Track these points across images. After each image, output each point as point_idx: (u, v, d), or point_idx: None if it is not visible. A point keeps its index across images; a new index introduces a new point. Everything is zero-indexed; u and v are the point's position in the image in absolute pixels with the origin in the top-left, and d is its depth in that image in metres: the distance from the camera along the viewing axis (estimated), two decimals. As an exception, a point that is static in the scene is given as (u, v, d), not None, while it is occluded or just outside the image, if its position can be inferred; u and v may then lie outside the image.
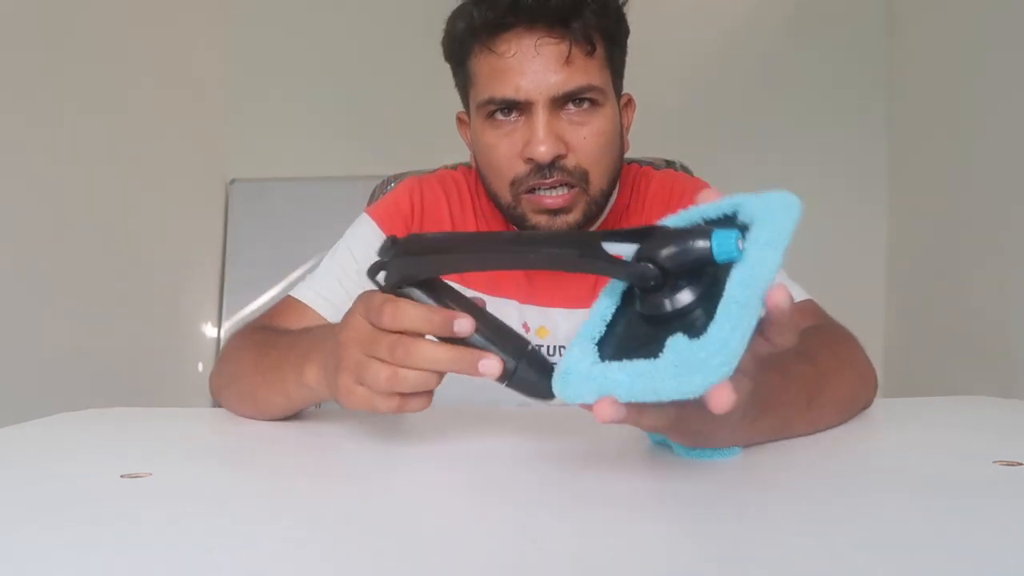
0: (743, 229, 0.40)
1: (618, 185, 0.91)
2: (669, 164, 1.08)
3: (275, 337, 0.69)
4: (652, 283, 0.41)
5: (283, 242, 2.28)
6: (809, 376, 0.57)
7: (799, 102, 2.38)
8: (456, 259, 0.50)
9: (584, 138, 0.77)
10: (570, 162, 0.77)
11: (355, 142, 2.45)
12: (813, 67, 2.39)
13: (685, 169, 1.08)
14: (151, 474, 0.48)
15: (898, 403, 0.72)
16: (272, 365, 0.64)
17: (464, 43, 0.80)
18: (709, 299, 0.39)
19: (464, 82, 0.83)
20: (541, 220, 0.79)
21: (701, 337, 0.37)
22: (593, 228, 0.88)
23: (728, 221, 0.43)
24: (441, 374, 0.50)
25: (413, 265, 0.49)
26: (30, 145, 1.62)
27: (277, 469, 0.53)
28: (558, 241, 0.47)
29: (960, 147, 1.98)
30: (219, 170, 2.46)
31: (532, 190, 0.78)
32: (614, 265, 0.42)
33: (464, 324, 0.47)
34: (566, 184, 0.77)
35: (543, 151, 0.75)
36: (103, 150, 1.87)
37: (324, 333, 0.59)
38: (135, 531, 0.38)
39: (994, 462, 0.48)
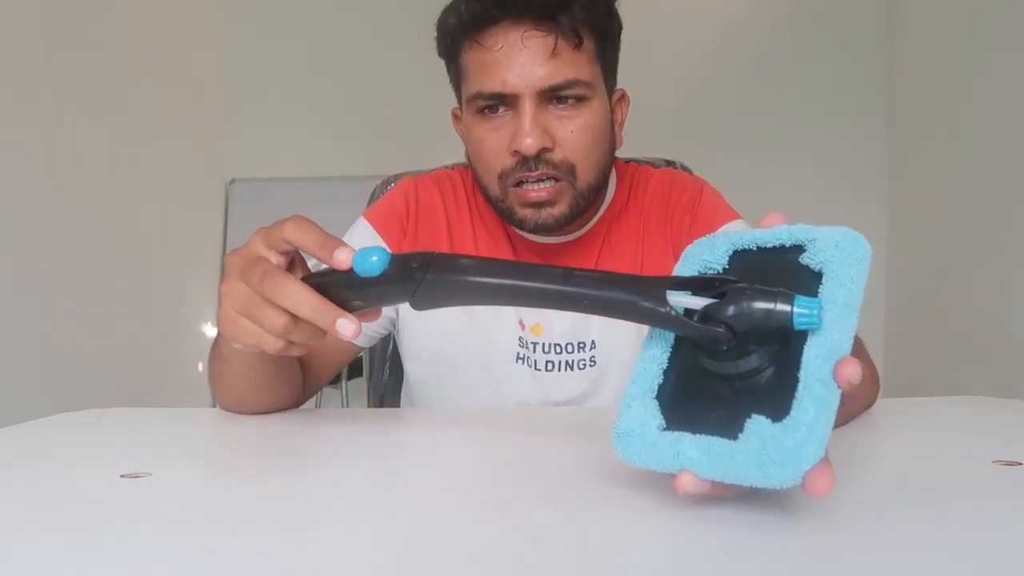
0: (812, 275, 0.38)
1: (616, 183, 0.91)
2: (669, 163, 1.08)
3: None
4: (725, 348, 0.38)
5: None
6: None
7: (799, 102, 2.38)
8: (497, 288, 0.45)
9: (571, 132, 0.78)
10: (556, 156, 0.78)
11: (355, 142, 2.45)
12: (813, 67, 2.39)
13: (685, 168, 1.08)
14: (151, 474, 0.48)
15: (898, 403, 0.72)
16: (218, 350, 0.67)
17: (455, 38, 0.81)
18: (780, 360, 0.37)
19: (456, 77, 0.84)
20: (527, 213, 0.80)
21: (785, 421, 0.34)
22: (586, 226, 0.88)
23: (785, 252, 0.40)
24: (297, 320, 0.51)
25: (451, 287, 0.46)
26: (30, 145, 1.62)
27: (277, 469, 0.53)
28: (618, 284, 0.42)
29: (960, 147, 1.98)
30: (219, 170, 2.46)
31: (519, 184, 0.79)
32: (683, 324, 0.39)
33: (343, 253, 0.49)
34: (552, 178, 0.78)
35: (529, 143, 0.76)
36: (103, 151, 1.87)
37: None
38: (135, 531, 0.38)
39: (994, 462, 0.48)
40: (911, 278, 2.24)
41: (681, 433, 0.38)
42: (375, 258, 0.47)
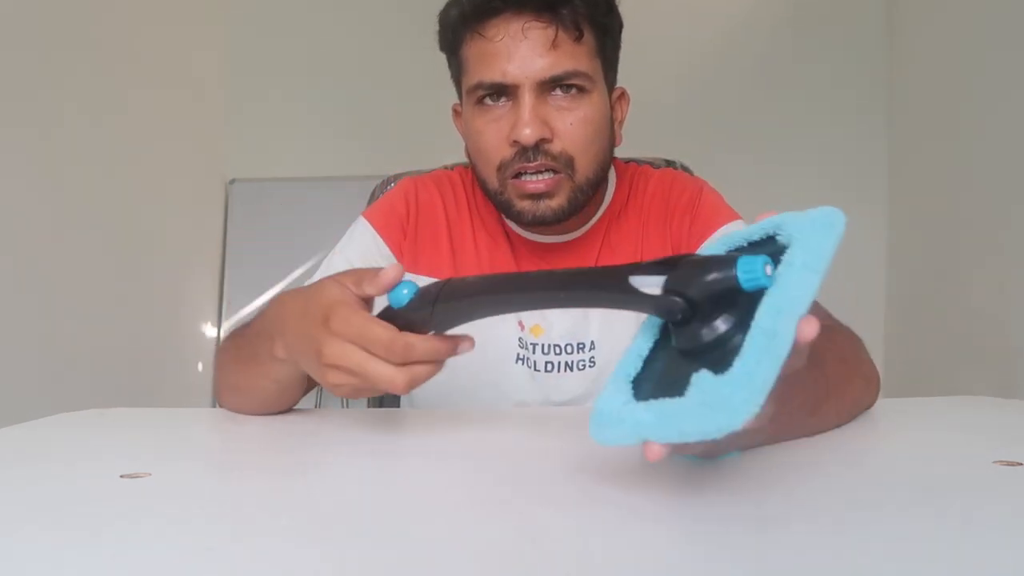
0: (781, 250, 0.39)
1: (616, 183, 0.91)
2: (669, 163, 1.08)
3: (247, 327, 0.69)
4: (680, 316, 0.39)
5: (283, 242, 2.28)
6: (817, 383, 0.56)
7: (799, 101, 2.38)
8: (492, 303, 0.51)
9: (570, 124, 0.78)
10: (555, 147, 0.78)
11: (355, 142, 2.45)
12: (813, 67, 2.39)
13: (685, 168, 1.08)
14: (151, 474, 0.48)
15: (898, 403, 0.72)
16: (249, 352, 0.66)
17: (456, 31, 0.81)
18: (746, 327, 0.37)
19: (457, 70, 0.84)
20: (525, 205, 0.80)
21: (726, 372, 0.35)
22: (586, 226, 0.88)
23: (771, 242, 0.41)
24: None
25: (454, 311, 0.52)
26: (30, 145, 1.62)
27: (277, 469, 0.53)
28: (587, 277, 0.47)
29: (960, 147, 1.98)
30: (219, 170, 2.46)
31: (518, 175, 0.79)
32: (640, 299, 0.41)
33: (465, 345, 0.55)
34: (550, 169, 0.78)
35: (528, 133, 0.76)
36: (103, 151, 1.87)
37: (293, 307, 0.61)
38: (135, 531, 0.38)
39: (994, 462, 0.48)
40: (911, 278, 2.24)
41: (639, 403, 0.39)
42: (405, 291, 0.54)
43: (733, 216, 0.88)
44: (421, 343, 0.52)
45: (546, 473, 0.49)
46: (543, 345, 0.86)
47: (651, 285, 0.41)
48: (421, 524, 0.39)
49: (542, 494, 0.44)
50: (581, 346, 0.86)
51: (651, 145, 1.12)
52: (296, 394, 0.69)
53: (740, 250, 0.43)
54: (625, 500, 0.43)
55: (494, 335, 0.86)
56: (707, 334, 0.39)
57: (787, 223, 0.40)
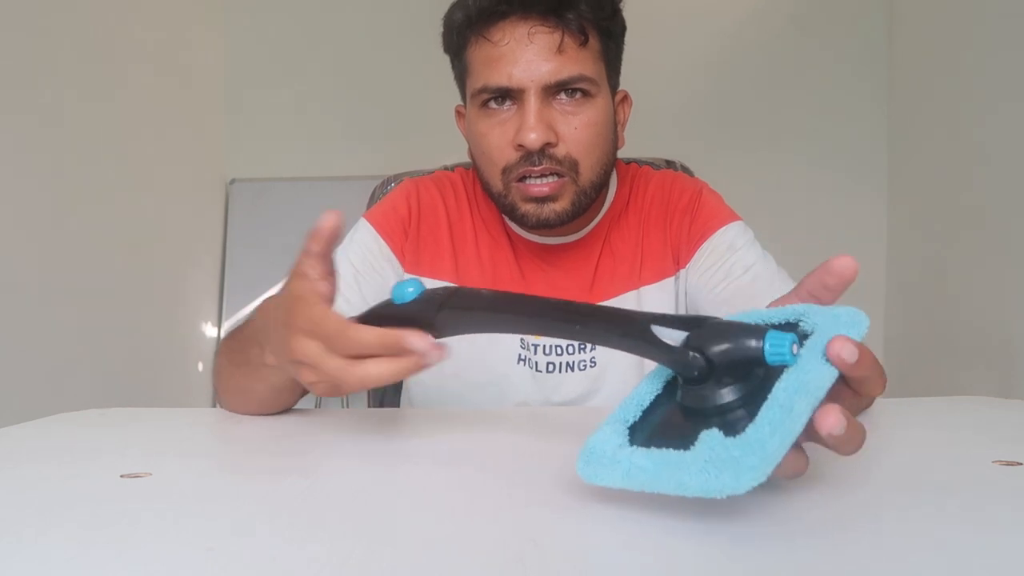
0: (803, 336, 0.39)
1: (617, 185, 0.91)
2: (669, 164, 1.08)
3: (240, 330, 0.69)
4: (696, 374, 0.39)
5: (283, 242, 2.27)
6: None
7: (799, 102, 2.38)
8: (503, 321, 0.50)
9: (575, 128, 0.78)
10: (560, 151, 0.78)
11: (355, 142, 2.45)
12: (813, 67, 2.39)
13: (685, 169, 1.08)
14: (151, 474, 0.48)
15: (898, 403, 0.72)
16: (242, 357, 0.66)
17: (461, 33, 0.81)
18: (754, 402, 0.37)
19: (461, 73, 0.84)
20: (529, 208, 0.80)
21: (738, 436, 0.35)
22: (587, 227, 0.88)
23: (791, 328, 0.41)
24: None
25: (460, 319, 0.50)
26: (30, 145, 1.62)
27: (277, 469, 0.53)
28: (607, 317, 0.46)
29: (960, 147, 1.98)
30: (219, 170, 2.46)
31: (522, 179, 0.79)
32: (659, 349, 0.41)
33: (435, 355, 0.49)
34: (555, 173, 0.78)
35: (533, 138, 0.76)
36: (103, 150, 1.87)
37: (276, 314, 0.58)
38: (135, 531, 0.38)
39: (993, 462, 0.48)
40: (911, 278, 2.24)
41: (638, 448, 0.39)
42: (410, 289, 0.52)
43: (733, 217, 0.88)
44: (369, 335, 0.49)
45: (546, 473, 0.49)
46: (544, 346, 0.86)
47: (670, 338, 0.41)
48: (421, 524, 0.39)
49: (542, 494, 0.44)
50: (582, 347, 0.86)
51: (651, 146, 1.12)
52: (293, 395, 0.69)
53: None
54: (624, 499, 0.43)
55: (496, 337, 0.86)
56: (714, 398, 0.39)
57: (812, 313, 0.40)
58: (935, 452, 0.53)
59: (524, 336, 0.86)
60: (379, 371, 0.49)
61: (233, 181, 2.47)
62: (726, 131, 2.36)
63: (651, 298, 0.87)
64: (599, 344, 0.46)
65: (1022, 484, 0.44)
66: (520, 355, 0.86)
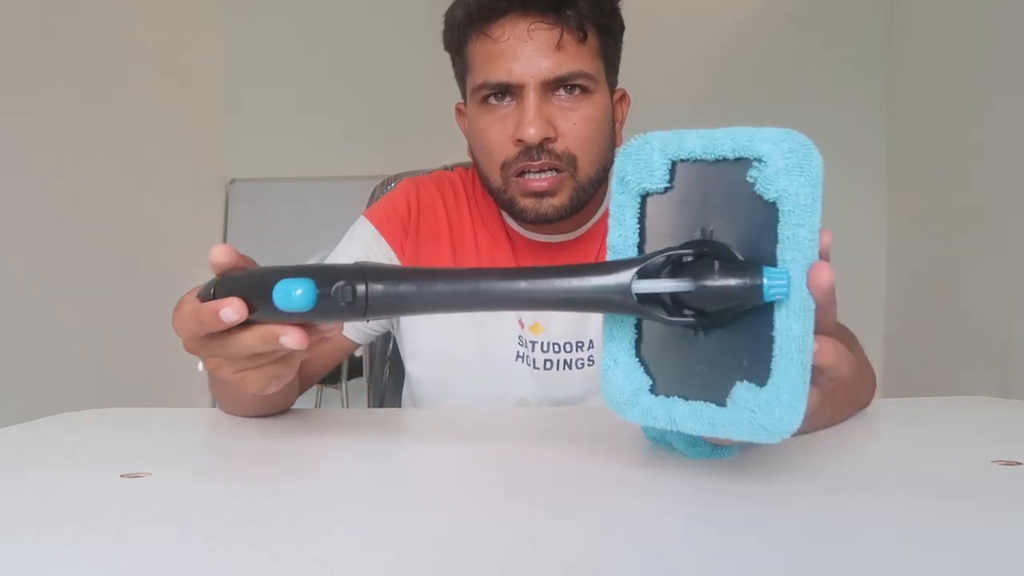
0: (767, 207, 0.38)
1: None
2: (669, 164, 1.08)
3: None
4: (694, 320, 0.39)
5: (283, 242, 2.28)
6: None
7: (799, 102, 2.38)
8: (437, 296, 0.43)
9: (574, 124, 0.79)
10: (559, 146, 0.79)
11: (355, 142, 2.45)
12: (813, 67, 2.39)
13: (685, 169, 1.08)
14: (151, 474, 0.48)
15: (897, 403, 0.72)
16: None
17: (462, 30, 0.82)
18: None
19: (462, 70, 0.85)
20: (528, 203, 0.81)
21: (768, 388, 0.37)
22: (586, 225, 0.88)
23: (730, 167, 0.41)
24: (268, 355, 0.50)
25: (394, 299, 0.43)
26: (30, 146, 1.62)
27: (277, 469, 0.53)
28: (578, 275, 0.42)
29: (960, 147, 1.98)
30: (219, 170, 2.46)
31: (521, 174, 0.79)
32: (655, 317, 0.40)
33: (229, 312, 0.46)
34: (554, 168, 0.79)
35: (532, 133, 0.77)
36: (103, 151, 1.87)
37: None
38: (135, 531, 0.38)
39: (993, 462, 0.48)
40: (911, 278, 2.24)
41: (674, 399, 0.40)
42: (299, 291, 0.42)
43: None
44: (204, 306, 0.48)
45: (546, 473, 0.49)
46: (542, 343, 0.86)
47: (654, 288, 0.39)
48: (421, 524, 0.39)
49: (542, 494, 0.44)
50: (580, 344, 0.86)
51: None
52: (278, 396, 0.68)
53: (691, 167, 0.42)
54: (624, 499, 0.43)
55: (495, 333, 0.86)
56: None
57: (762, 164, 0.39)
58: (935, 452, 0.53)
59: (522, 333, 0.86)
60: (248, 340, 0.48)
61: (233, 181, 2.47)
62: (726, 131, 2.36)
63: None
64: (577, 311, 0.43)
65: (1022, 484, 0.44)
66: (519, 352, 0.86)
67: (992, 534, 0.36)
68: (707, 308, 0.39)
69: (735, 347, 0.39)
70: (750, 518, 0.39)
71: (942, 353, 2.06)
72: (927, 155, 2.16)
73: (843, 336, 0.70)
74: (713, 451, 0.49)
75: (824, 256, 0.38)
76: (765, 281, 0.37)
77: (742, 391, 0.37)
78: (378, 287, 0.42)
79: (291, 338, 0.45)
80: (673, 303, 0.39)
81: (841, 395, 0.61)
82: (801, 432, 0.56)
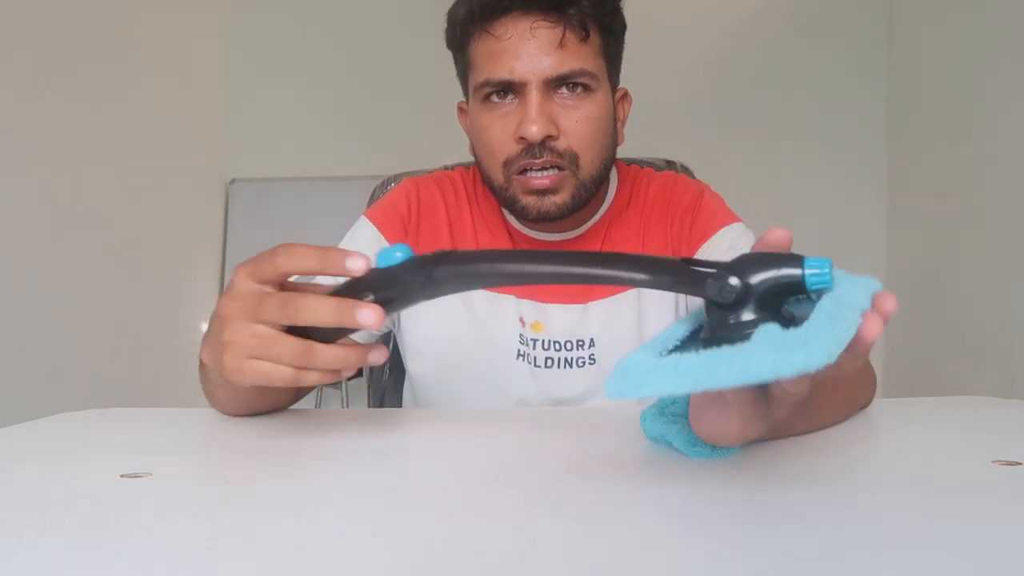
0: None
1: (617, 184, 0.92)
2: (670, 164, 1.08)
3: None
4: (732, 297, 0.38)
5: (283, 242, 2.27)
6: None
7: (799, 102, 2.38)
8: (500, 274, 0.47)
9: (576, 122, 0.79)
10: (561, 144, 0.79)
11: (355, 142, 2.45)
12: (813, 68, 2.39)
13: (686, 170, 1.08)
14: (151, 474, 0.48)
15: (898, 403, 0.72)
16: (201, 364, 0.65)
17: (464, 28, 0.82)
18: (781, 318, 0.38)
19: (464, 68, 0.85)
20: (530, 201, 0.81)
21: (798, 328, 0.35)
22: (587, 224, 0.89)
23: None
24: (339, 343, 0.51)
25: (456, 275, 0.47)
26: (30, 145, 1.62)
27: (277, 469, 0.53)
28: (631, 258, 0.43)
29: (960, 147, 1.98)
30: (219, 170, 2.46)
31: (523, 171, 0.80)
32: (694, 277, 0.39)
33: (355, 261, 0.48)
34: (556, 166, 0.79)
35: (535, 130, 0.77)
36: (103, 150, 1.87)
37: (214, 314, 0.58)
38: (135, 531, 0.38)
39: (993, 462, 0.48)
40: (911, 278, 2.24)
41: (683, 352, 0.37)
42: (399, 253, 0.48)
43: (733, 219, 0.88)
44: (315, 296, 0.48)
45: (546, 473, 0.49)
46: (543, 341, 0.86)
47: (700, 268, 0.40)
48: (421, 524, 0.39)
49: (543, 495, 0.44)
50: (580, 343, 0.86)
51: (651, 146, 1.12)
52: (269, 395, 0.68)
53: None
54: (624, 499, 0.43)
55: (495, 331, 0.86)
56: (749, 317, 0.38)
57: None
58: (935, 452, 0.53)
59: (523, 332, 0.86)
60: (324, 305, 0.48)
61: (233, 181, 2.47)
62: (726, 131, 2.36)
63: (651, 297, 0.87)
64: (625, 284, 0.43)
65: (1022, 484, 0.44)
66: (520, 351, 0.86)
67: (992, 534, 0.36)
68: (748, 280, 0.38)
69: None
70: (750, 517, 0.39)
71: (942, 353, 2.06)
72: (927, 155, 2.16)
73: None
74: (713, 451, 0.49)
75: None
76: (806, 266, 0.37)
77: (765, 329, 0.36)
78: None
79: (377, 354, 0.50)
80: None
81: (841, 395, 0.61)
82: (801, 432, 0.56)
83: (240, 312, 0.51)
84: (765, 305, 0.38)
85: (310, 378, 0.51)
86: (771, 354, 0.34)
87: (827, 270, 0.37)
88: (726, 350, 0.35)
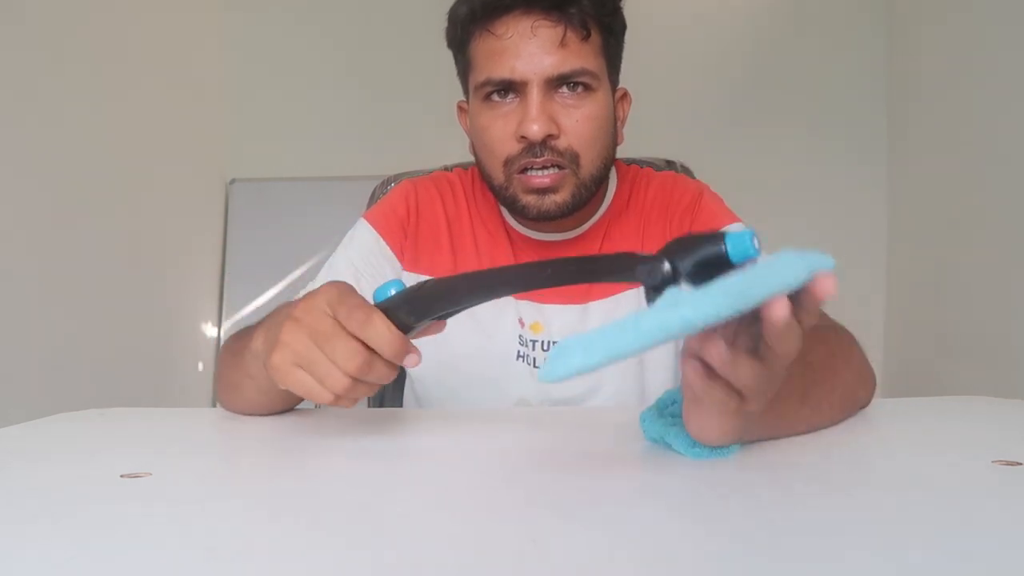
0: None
1: (617, 184, 0.92)
2: (669, 164, 1.08)
3: (251, 326, 0.69)
4: (660, 279, 0.41)
5: (283, 242, 2.28)
6: (802, 372, 0.56)
7: (799, 102, 2.38)
8: (471, 292, 0.53)
9: (576, 121, 0.79)
10: (561, 143, 0.79)
11: (355, 142, 2.45)
12: (813, 67, 2.39)
13: (685, 170, 1.09)
14: (151, 474, 0.48)
15: (897, 403, 0.72)
16: (239, 346, 0.67)
17: (465, 27, 0.82)
18: None
19: (464, 67, 0.85)
20: (530, 200, 0.81)
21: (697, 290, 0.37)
22: (586, 224, 0.89)
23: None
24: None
25: (425, 304, 0.53)
26: (30, 145, 1.62)
27: (277, 469, 0.53)
28: (570, 259, 0.48)
29: (960, 147, 1.98)
30: (219, 170, 2.46)
31: (523, 170, 0.80)
32: (623, 264, 0.43)
33: (413, 359, 0.53)
34: (556, 165, 0.79)
35: (535, 129, 0.77)
36: (103, 151, 1.87)
37: (282, 307, 0.62)
38: (135, 531, 0.38)
39: (993, 462, 0.48)
40: (911, 278, 2.24)
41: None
42: (392, 290, 0.54)
43: (733, 219, 0.89)
44: (384, 323, 0.52)
45: (546, 473, 0.49)
46: (543, 342, 0.86)
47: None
48: (421, 524, 0.39)
49: (543, 494, 0.44)
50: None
51: (651, 146, 1.12)
52: (282, 402, 0.68)
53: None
54: (624, 499, 0.43)
55: (495, 333, 0.86)
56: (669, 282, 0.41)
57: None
58: (935, 452, 0.53)
59: (522, 333, 0.86)
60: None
61: (233, 181, 2.47)
62: (726, 131, 2.36)
63: None
64: (571, 283, 0.48)
65: (1022, 484, 0.44)
66: (519, 352, 0.87)
67: (992, 534, 0.36)
68: (674, 260, 0.41)
69: None
70: (749, 517, 0.39)
71: (942, 353, 2.06)
72: (927, 155, 2.16)
73: (839, 333, 0.70)
74: (712, 451, 0.49)
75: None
76: (729, 243, 0.39)
77: (666, 292, 0.38)
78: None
79: (414, 358, 0.54)
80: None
81: (841, 395, 0.61)
82: (801, 432, 0.56)
83: (308, 328, 0.54)
84: (700, 283, 0.40)
85: (342, 403, 0.55)
86: (657, 316, 0.36)
87: (748, 242, 0.39)
88: (628, 319, 0.37)
